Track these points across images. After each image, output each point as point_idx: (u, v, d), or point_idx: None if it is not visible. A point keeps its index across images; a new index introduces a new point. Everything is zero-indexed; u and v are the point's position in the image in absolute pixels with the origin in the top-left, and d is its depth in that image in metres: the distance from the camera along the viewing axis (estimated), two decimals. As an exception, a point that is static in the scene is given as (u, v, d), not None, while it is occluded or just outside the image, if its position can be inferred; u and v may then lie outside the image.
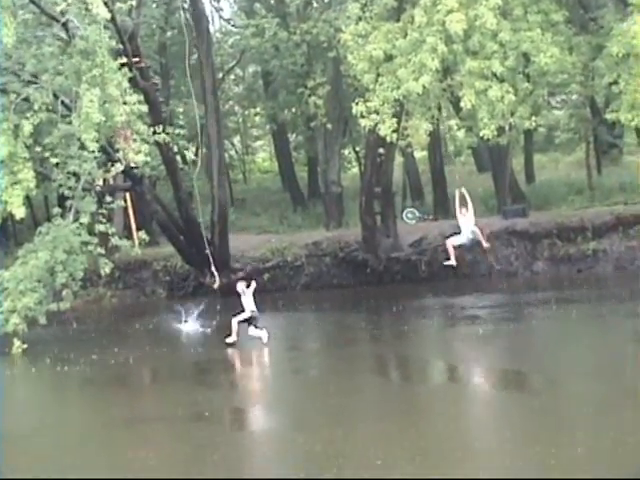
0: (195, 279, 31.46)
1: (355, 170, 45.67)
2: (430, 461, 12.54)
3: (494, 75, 23.04)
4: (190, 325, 24.50)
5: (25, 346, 22.95)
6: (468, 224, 23.66)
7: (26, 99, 23.43)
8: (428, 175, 41.07)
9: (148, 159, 24.69)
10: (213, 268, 27.49)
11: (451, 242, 24.21)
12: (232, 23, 46.25)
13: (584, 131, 38.82)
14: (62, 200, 26.15)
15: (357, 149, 42.27)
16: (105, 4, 22.81)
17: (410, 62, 23.10)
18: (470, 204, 23.52)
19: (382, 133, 24.06)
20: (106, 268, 24.32)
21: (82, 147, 22.87)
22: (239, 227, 36.43)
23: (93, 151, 22.66)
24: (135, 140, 24.09)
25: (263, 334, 21.84)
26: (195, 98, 30.57)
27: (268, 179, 53.13)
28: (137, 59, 27.59)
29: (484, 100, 22.91)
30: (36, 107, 22.76)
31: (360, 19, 25.38)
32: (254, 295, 22.30)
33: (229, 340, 21.75)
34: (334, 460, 12.64)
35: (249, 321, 22.11)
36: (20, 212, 22.88)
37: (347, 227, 35.02)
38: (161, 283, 32.69)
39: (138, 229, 28.72)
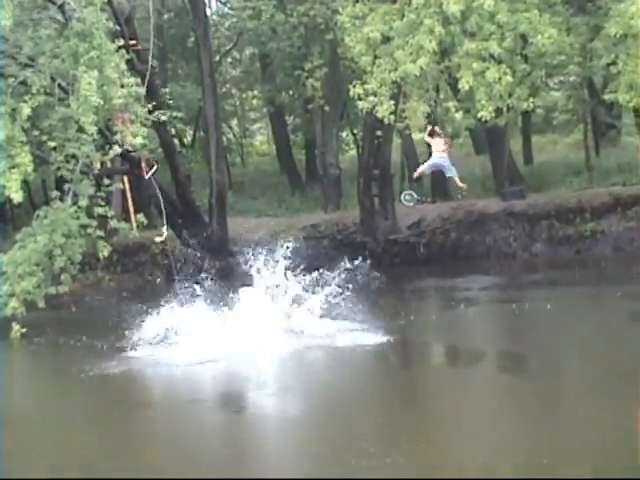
0: (194, 262, 31.45)
1: (353, 152, 45.56)
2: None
3: (492, 56, 23.00)
4: None
5: (24, 330, 22.97)
6: (438, 148, 23.35)
7: (23, 82, 23.34)
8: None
9: (146, 142, 24.66)
10: (164, 226, 26.67)
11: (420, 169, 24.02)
12: (229, 5, 46.09)
13: (582, 112, 38.76)
14: (60, 183, 26.13)
15: (355, 131, 42.20)
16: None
17: (407, 44, 23.05)
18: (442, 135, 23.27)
19: (380, 115, 24.04)
20: (104, 251, 24.32)
21: (80, 130, 22.82)
22: (237, 210, 36.37)
23: (92, 133, 22.62)
24: (133, 122, 24.06)
25: None
26: (192, 81, 30.53)
27: (266, 162, 53.02)
28: (134, 42, 27.53)
29: (482, 82, 22.88)
30: (34, 90, 22.69)
31: (357, 1, 25.32)
32: None
33: None
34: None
35: None
36: (18, 196, 22.81)
37: (345, 209, 34.97)
38: (159, 266, 32.64)
39: (136, 212, 28.71)
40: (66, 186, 24.08)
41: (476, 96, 23.43)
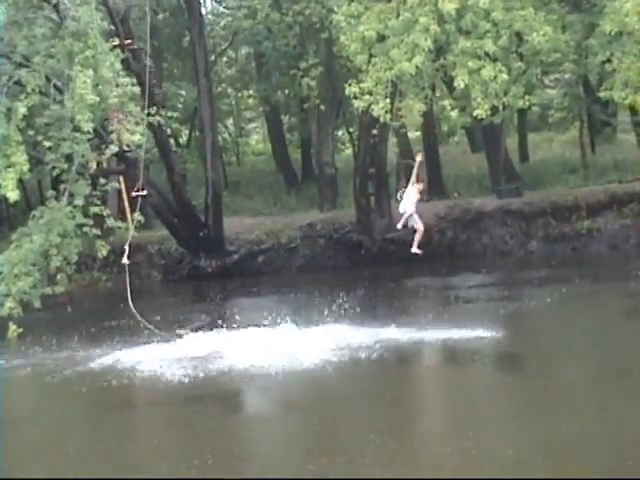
0: (190, 262, 31.48)
1: (349, 151, 45.63)
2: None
3: (487, 54, 23.00)
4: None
5: (20, 330, 22.94)
6: (411, 199, 22.33)
7: (18, 82, 23.33)
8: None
9: (142, 140, 24.64)
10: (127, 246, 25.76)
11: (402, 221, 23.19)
12: (224, 5, 46.06)
13: (578, 110, 38.87)
14: (56, 183, 26.11)
15: (351, 130, 42.22)
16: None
17: (403, 42, 23.04)
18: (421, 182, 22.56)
19: (375, 114, 24.03)
20: (103, 250, 24.30)
21: (75, 129, 22.81)
22: (233, 210, 36.38)
23: (88, 132, 22.60)
24: (129, 121, 24.03)
25: None
26: (188, 81, 30.54)
27: (262, 161, 53.02)
28: (129, 41, 27.53)
29: (477, 80, 22.87)
30: (29, 90, 22.68)
31: (352, 0, 25.31)
32: None
33: None
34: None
35: None
36: (14, 195, 22.81)
37: (341, 208, 34.99)
38: (156, 266, 32.62)
39: (132, 212, 28.71)
40: (62, 186, 24.07)
41: (472, 94, 23.42)
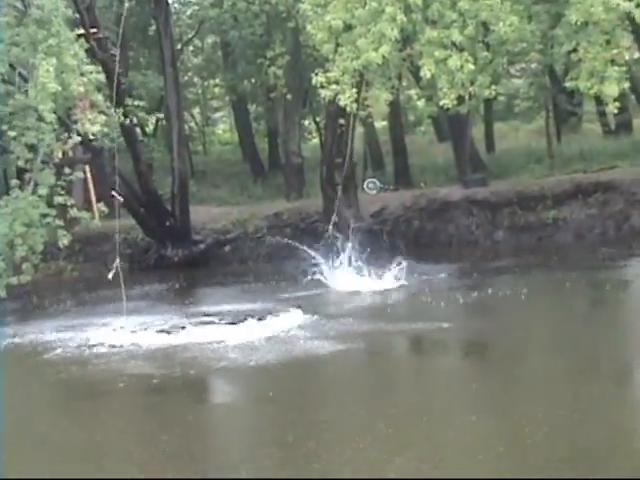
0: (156, 251, 31.38)
1: (315, 141, 45.65)
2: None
3: (453, 44, 23.01)
4: None
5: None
6: None
7: (-18, 70, 23.15)
8: (389, 145, 41.10)
9: (105, 129, 24.50)
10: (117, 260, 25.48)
11: None
12: (190, -7, 45.92)
13: (544, 99, 39.05)
14: (21, 173, 25.91)
15: (317, 120, 42.26)
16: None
17: (369, 32, 23.00)
18: None
19: (342, 103, 24.00)
20: (64, 240, 24.10)
21: (40, 119, 22.65)
22: (199, 199, 36.29)
23: (51, 122, 22.44)
24: (92, 110, 23.90)
25: None
26: (154, 70, 30.40)
27: (228, 151, 52.94)
28: (95, 30, 27.35)
29: (444, 69, 22.88)
30: (-7, 78, 22.53)
31: (319, -12, 25.26)
32: None
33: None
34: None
35: None
36: (-22, 185, 22.68)
37: (308, 198, 34.97)
38: (122, 255, 32.37)
39: (98, 201, 28.53)
40: (27, 175, 23.89)
41: (438, 84, 23.45)
